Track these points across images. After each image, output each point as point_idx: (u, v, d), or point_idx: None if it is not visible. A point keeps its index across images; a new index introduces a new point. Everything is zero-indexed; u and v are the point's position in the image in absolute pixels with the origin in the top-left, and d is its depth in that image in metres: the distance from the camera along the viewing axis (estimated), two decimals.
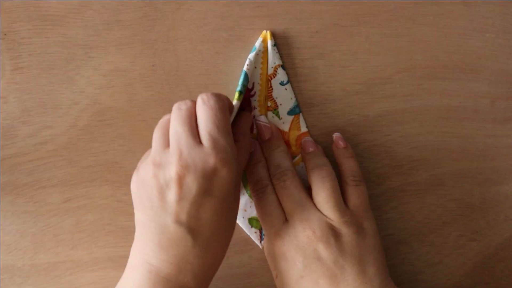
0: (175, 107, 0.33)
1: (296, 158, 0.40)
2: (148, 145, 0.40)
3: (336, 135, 0.40)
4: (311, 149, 0.39)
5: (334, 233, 0.34)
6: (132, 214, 0.41)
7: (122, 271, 0.41)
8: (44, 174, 0.40)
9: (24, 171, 0.40)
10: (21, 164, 0.40)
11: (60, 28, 0.39)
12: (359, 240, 0.35)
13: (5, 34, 0.39)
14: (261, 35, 0.39)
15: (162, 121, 0.34)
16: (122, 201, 0.41)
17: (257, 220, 0.40)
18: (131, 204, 0.41)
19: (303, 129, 0.40)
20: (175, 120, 0.32)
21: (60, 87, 0.40)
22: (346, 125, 0.41)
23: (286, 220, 0.36)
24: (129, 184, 0.40)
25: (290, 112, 0.40)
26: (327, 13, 0.41)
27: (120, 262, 0.41)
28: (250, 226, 0.40)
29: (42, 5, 0.39)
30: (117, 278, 0.41)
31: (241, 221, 0.40)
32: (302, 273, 0.34)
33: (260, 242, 0.41)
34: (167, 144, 0.32)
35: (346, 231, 0.35)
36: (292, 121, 0.40)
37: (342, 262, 0.34)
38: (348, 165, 0.38)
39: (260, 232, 0.40)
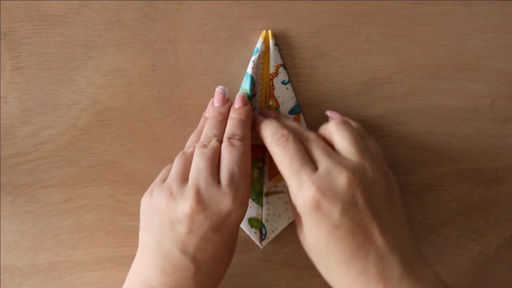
0: (200, 144, 0.34)
1: None
2: (148, 145, 0.40)
3: (328, 113, 0.40)
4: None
5: (367, 178, 0.32)
6: (132, 214, 0.41)
7: (122, 271, 0.41)
8: (44, 174, 0.40)
9: (24, 171, 0.40)
10: (21, 164, 0.40)
11: (60, 28, 0.39)
12: (388, 187, 0.34)
13: (5, 34, 0.39)
14: (261, 35, 0.39)
15: (186, 154, 0.35)
16: (122, 201, 0.41)
17: (256, 220, 0.40)
18: (131, 204, 0.41)
19: None
20: (199, 156, 0.33)
21: (60, 87, 0.40)
22: None
23: (316, 168, 0.33)
24: (129, 184, 0.40)
25: (291, 112, 0.40)
26: (327, 13, 0.41)
27: (120, 262, 0.41)
28: (250, 226, 0.40)
29: (42, 5, 0.39)
30: (117, 278, 0.41)
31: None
32: (338, 222, 0.31)
33: (260, 242, 0.41)
34: (186, 176, 0.33)
35: (376, 177, 0.33)
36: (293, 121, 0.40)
37: (377, 209, 0.32)
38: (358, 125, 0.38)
39: (260, 232, 0.41)
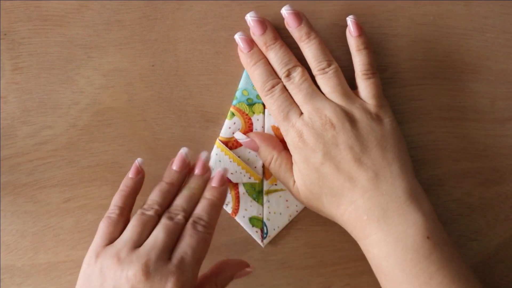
0: (168, 215, 0.34)
1: None
2: (148, 145, 0.40)
3: (350, 19, 0.38)
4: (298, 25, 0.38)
5: (348, 118, 0.36)
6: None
7: None
8: (44, 174, 0.40)
9: (24, 171, 0.40)
10: (21, 164, 0.40)
11: (60, 28, 0.39)
12: (374, 126, 0.36)
13: (5, 34, 0.39)
14: None
15: (146, 215, 0.34)
16: None
17: (257, 219, 0.40)
18: None
19: None
20: (163, 227, 0.33)
21: (60, 87, 0.40)
22: None
23: (301, 113, 0.37)
24: None
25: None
26: (327, 13, 0.41)
27: None
28: (251, 225, 0.40)
29: (42, 5, 0.39)
30: None
31: (242, 221, 0.40)
32: (322, 160, 0.35)
33: (262, 241, 0.41)
34: (139, 243, 0.33)
35: (360, 117, 0.36)
36: None
37: (360, 147, 0.35)
38: (359, 58, 0.38)
39: (261, 231, 0.41)
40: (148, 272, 0.31)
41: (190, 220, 0.34)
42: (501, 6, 0.42)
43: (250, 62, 0.38)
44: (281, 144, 0.39)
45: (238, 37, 0.39)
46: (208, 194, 0.36)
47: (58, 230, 0.40)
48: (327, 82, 0.37)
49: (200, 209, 0.35)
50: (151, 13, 0.40)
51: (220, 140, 0.40)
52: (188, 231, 0.33)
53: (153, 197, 0.36)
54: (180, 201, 0.36)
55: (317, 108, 0.36)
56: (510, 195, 0.43)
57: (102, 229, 0.34)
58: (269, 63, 0.38)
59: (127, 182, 0.37)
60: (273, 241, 0.41)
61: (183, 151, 0.37)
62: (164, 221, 0.34)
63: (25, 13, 0.39)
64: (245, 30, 0.40)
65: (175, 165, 0.37)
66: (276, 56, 0.38)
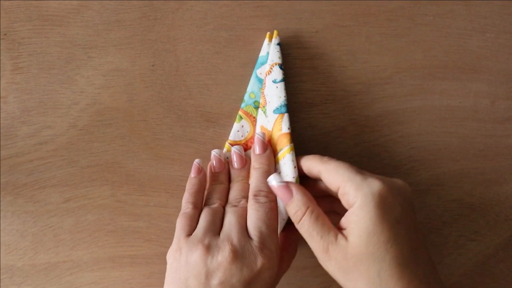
0: (230, 204, 0.37)
1: (278, 155, 0.39)
2: (148, 145, 0.40)
3: (233, 151, 0.39)
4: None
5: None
6: (132, 214, 0.41)
7: (122, 271, 0.41)
8: (44, 174, 0.40)
9: (24, 171, 0.40)
10: (21, 164, 0.40)
11: (60, 28, 0.39)
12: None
13: (5, 34, 0.39)
14: (266, 36, 0.39)
15: (212, 208, 0.36)
16: (122, 201, 0.41)
17: None
18: (131, 204, 0.41)
19: (284, 129, 0.38)
20: (231, 213, 0.35)
21: (60, 87, 0.40)
22: (346, 125, 0.41)
23: None
24: (129, 184, 0.40)
25: (275, 111, 0.39)
26: (327, 13, 0.41)
27: (120, 262, 0.41)
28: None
29: (42, 5, 0.39)
30: (117, 278, 0.41)
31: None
32: (399, 217, 0.32)
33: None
34: (216, 230, 0.35)
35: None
36: (276, 120, 0.39)
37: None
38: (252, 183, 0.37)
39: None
40: (236, 253, 0.32)
41: (250, 196, 0.36)
42: (501, 6, 0.42)
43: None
44: (314, 198, 0.35)
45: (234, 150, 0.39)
46: (257, 163, 0.37)
47: (58, 230, 0.40)
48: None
49: (255, 181, 0.36)
50: (151, 13, 0.40)
51: (229, 143, 0.40)
52: (253, 206, 0.35)
53: (209, 196, 0.38)
54: (235, 193, 0.38)
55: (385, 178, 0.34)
56: (510, 195, 0.43)
57: (180, 224, 0.36)
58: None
59: (192, 181, 0.38)
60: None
61: (215, 153, 0.39)
62: (230, 209, 0.36)
63: (25, 13, 0.39)
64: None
65: (214, 168, 0.39)
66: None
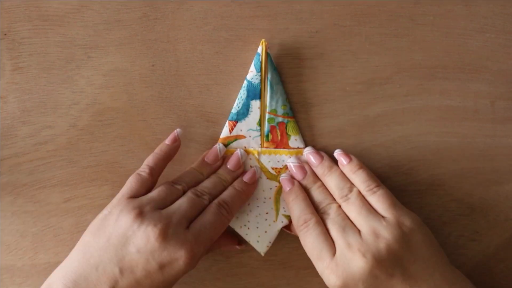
0: (195, 191, 0.36)
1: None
2: (148, 145, 0.40)
3: (337, 152, 0.39)
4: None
5: (384, 246, 0.34)
6: None
7: None
8: (44, 174, 0.40)
9: (24, 171, 0.40)
10: (21, 164, 0.40)
11: (60, 28, 0.39)
12: (406, 242, 0.34)
13: (5, 34, 0.39)
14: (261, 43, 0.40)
15: (175, 187, 0.36)
16: None
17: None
18: None
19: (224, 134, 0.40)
20: (188, 199, 0.35)
21: (60, 87, 0.40)
22: (346, 125, 0.41)
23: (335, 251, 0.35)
24: None
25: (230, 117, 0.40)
26: (327, 13, 0.41)
27: None
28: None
29: (42, 5, 0.39)
30: None
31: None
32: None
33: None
34: (163, 206, 0.34)
35: (390, 237, 0.34)
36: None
37: (401, 269, 0.34)
38: (358, 179, 0.37)
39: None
40: (166, 233, 0.32)
41: (215, 201, 0.36)
42: (501, 6, 0.42)
43: (289, 197, 0.38)
44: (312, 207, 0.38)
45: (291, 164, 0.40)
46: (237, 186, 0.38)
47: (58, 230, 0.40)
48: (350, 208, 0.36)
49: (227, 195, 0.37)
50: (151, 13, 0.40)
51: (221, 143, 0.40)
52: (212, 209, 0.35)
53: (181, 177, 0.38)
54: (207, 184, 0.37)
55: (348, 245, 0.34)
56: (510, 195, 0.43)
57: (130, 183, 0.36)
58: (307, 199, 0.38)
59: (162, 147, 0.38)
60: (273, 241, 0.41)
61: (218, 146, 0.39)
62: (189, 194, 0.36)
63: (25, 13, 0.39)
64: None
65: (208, 158, 0.39)
66: (333, 182, 0.38)
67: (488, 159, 0.43)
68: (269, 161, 0.40)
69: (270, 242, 0.40)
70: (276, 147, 0.40)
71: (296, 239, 0.41)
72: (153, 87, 0.40)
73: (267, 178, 0.40)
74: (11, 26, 0.39)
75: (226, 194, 0.37)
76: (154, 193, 0.35)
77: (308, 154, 0.40)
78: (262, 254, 0.40)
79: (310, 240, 0.35)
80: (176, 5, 0.40)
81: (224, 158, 0.40)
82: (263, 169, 0.40)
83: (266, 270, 0.42)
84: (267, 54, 0.39)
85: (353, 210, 0.36)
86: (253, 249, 0.41)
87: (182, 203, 0.35)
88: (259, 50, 0.39)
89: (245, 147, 0.40)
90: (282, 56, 0.41)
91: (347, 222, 0.36)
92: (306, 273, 0.42)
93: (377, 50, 0.41)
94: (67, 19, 0.39)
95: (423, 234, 0.35)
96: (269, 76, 0.39)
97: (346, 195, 0.37)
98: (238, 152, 0.39)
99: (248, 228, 0.40)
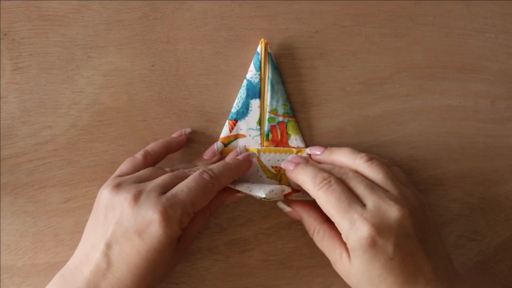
0: (180, 168, 0.37)
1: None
2: (148, 145, 0.40)
3: (307, 151, 0.40)
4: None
5: (411, 206, 0.33)
6: None
7: None
8: (44, 174, 0.40)
9: (24, 171, 0.40)
10: (21, 164, 0.40)
11: (60, 28, 0.39)
12: (426, 211, 0.34)
13: (5, 34, 0.39)
14: (260, 42, 0.40)
15: (161, 169, 0.36)
16: None
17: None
18: None
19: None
20: (170, 174, 0.35)
21: (60, 87, 0.40)
22: (346, 125, 0.41)
23: (364, 204, 0.33)
24: None
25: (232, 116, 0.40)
26: (327, 13, 0.41)
27: None
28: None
29: (42, 5, 0.39)
30: None
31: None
32: (392, 255, 0.32)
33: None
34: (141, 181, 0.35)
35: (417, 204, 0.34)
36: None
37: (422, 235, 0.33)
38: (339, 157, 0.37)
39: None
40: (138, 199, 0.32)
41: (201, 168, 0.36)
42: (501, 6, 0.42)
43: (297, 171, 0.37)
44: (322, 215, 0.37)
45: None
46: (228, 159, 0.38)
47: (58, 230, 0.40)
48: (376, 173, 0.35)
49: (214, 166, 0.36)
50: (151, 13, 0.40)
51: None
52: (192, 176, 0.34)
53: (174, 164, 0.39)
54: (197, 163, 0.39)
55: (383, 197, 0.33)
56: (510, 195, 0.43)
57: (123, 164, 0.37)
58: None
59: (166, 138, 0.39)
60: (273, 241, 0.41)
61: (216, 144, 0.40)
62: (174, 172, 0.36)
63: (25, 13, 0.39)
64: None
65: (205, 154, 0.40)
66: (342, 155, 0.38)
67: (488, 159, 0.43)
68: (269, 160, 0.40)
69: (273, 190, 0.37)
70: (276, 146, 0.40)
71: (296, 239, 0.42)
72: (153, 87, 0.40)
73: (267, 177, 0.40)
74: (11, 26, 0.39)
75: (212, 165, 0.36)
76: (139, 172, 0.36)
77: (310, 148, 0.40)
78: (264, 195, 0.38)
79: (335, 195, 0.33)
80: (176, 5, 0.40)
81: (222, 155, 0.40)
82: (263, 167, 0.40)
83: (266, 270, 0.42)
84: (268, 54, 0.39)
85: (376, 171, 0.35)
86: (253, 249, 0.41)
87: (163, 177, 0.34)
88: (259, 49, 0.39)
89: (245, 146, 0.40)
90: (282, 56, 0.41)
91: (372, 183, 0.34)
92: (306, 273, 0.42)
93: (377, 50, 0.41)
94: (67, 19, 0.39)
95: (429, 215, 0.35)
96: (270, 75, 0.39)
97: (362, 159, 0.36)
98: (238, 149, 0.39)
99: (250, 191, 0.39)
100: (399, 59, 0.41)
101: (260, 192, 0.36)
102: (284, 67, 0.41)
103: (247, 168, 0.38)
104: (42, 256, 0.40)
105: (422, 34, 0.41)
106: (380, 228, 0.32)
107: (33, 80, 0.39)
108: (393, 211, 0.32)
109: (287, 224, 0.41)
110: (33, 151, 0.40)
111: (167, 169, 0.37)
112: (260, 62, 0.39)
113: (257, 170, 0.40)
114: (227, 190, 0.38)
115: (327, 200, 0.33)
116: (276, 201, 0.40)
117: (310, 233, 0.38)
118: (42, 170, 0.40)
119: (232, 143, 0.40)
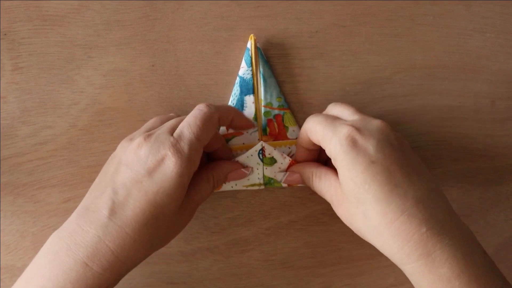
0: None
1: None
2: None
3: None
4: None
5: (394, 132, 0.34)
6: None
7: None
8: (44, 174, 0.40)
9: (24, 171, 0.40)
10: (21, 164, 0.40)
11: (60, 28, 0.39)
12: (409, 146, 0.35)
13: (5, 34, 0.39)
14: (249, 38, 0.40)
15: (166, 116, 0.38)
16: None
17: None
18: None
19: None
20: (176, 118, 0.36)
21: (60, 87, 0.40)
22: None
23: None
24: None
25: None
26: (327, 13, 0.41)
27: None
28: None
29: (42, 5, 0.39)
30: None
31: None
32: (374, 158, 0.31)
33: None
34: (150, 129, 0.36)
35: (399, 134, 0.35)
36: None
37: (409, 155, 0.33)
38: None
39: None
40: (149, 140, 0.33)
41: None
42: (501, 6, 0.42)
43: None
44: (316, 163, 0.38)
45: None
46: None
47: None
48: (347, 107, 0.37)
49: (215, 104, 0.36)
50: (151, 13, 0.40)
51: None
52: (192, 111, 0.35)
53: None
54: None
55: (367, 115, 0.35)
56: (510, 195, 0.43)
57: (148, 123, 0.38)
58: None
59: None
60: (273, 241, 0.41)
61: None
62: (179, 116, 0.37)
63: (25, 13, 0.39)
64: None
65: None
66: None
67: (488, 159, 0.43)
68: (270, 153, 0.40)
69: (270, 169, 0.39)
70: (275, 140, 0.40)
71: (296, 239, 0.42)
72: (153, 87, 0.40)
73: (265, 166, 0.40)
74: (11, 26, 0.39)
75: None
76: (146, 124, 0.37)
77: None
78: (261, 176, 0.39)
79: (322, 116, 0.35)
80: (176, 5, 0.40)
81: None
82: (265, 161, 0.40)
83: (266, 270, 0.42)
84: (257, 48, 0.39)
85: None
86: (253, 249, 0.41)
87: (169, 121, 0.35)
88: (248, 45, 0.39)
89: (243, 143, 0.40)
90: (282, 56, 0.41)
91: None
92: (306, 273, 0.42)
93: (377, 50, 0.41)
94: (67, 19, 0.39)
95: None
96: (261, 70, 0.39)
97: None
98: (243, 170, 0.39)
99: (248, 179, 0.40)
100: (399, 59, 0.41)
101: (259, 176, 0.39)
102: (284, 67, 0.41)
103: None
104: None
105: (422, 34, 0.41)
106: (361, 130, 0.32)
107: (33, 80, 0.39)
108: (376, 121, 0.33)
109: (287, 224, 0.41)
110: (33, 151, 0.40)
111: (172, 114, 0.39)
112: (251, 57, 0.39)
113: (258, 163, 0.40)
114: (232, 162, 0.39)
115: (315, 119, 0.35)
116: (274, 186, 0.40)
117: (310, 181, 0.38)
118: (42, 170, 0.40)
119: (230, 141, 0.40)
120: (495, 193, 0.43)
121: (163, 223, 0.33)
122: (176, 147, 0.32)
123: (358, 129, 0.32)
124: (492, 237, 0.43)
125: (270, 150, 0.39)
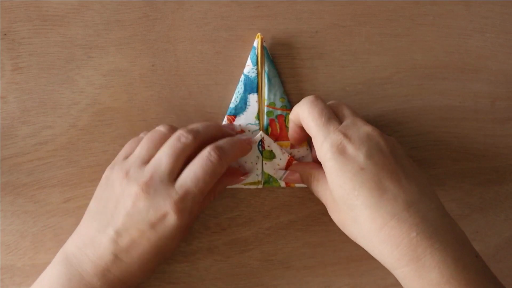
0: (176, 135, 0.35)
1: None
2: None
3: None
4: None
5: (386, 136, 0.34)
6: None
7: None
8: (44, 174, 0.40)
9: (24, 171, 0.40)
10: (21, 164, 0.40)
11: (60, 28, 0.39)
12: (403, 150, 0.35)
13: (5, 34, 0.39)
14: (256, 37, 0.40)
15: (156, 134, 0.36)
16: None
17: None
18: None
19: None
20: (169, 148, 0.34)
21: (60, 87, 0.40)
22: None
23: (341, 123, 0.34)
24: None
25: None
26: (327, 13, 0.41)
27: None
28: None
29: (42, 5, 0.39)
30: None
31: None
32: (363, 165, 0.31)
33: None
34: (147, 159, 0.35)
35: (392, 138, 0.35)
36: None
37: (400, 160, 0.33)
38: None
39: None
40: (148, 191, 0.33)
41: (209, 146, 0.35)
42: (501, 6, 0.42)
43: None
44: (316, 165, 0.38)
45: None
46: (237, 137, 0.38)
47: (58, 230, 0.40)
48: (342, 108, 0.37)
49: (224, 141, 0.36)
50: (151, 13, 0.40)
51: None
52: (203, 157, 0.34)
53: (193, 127, 0.36)
54: (196, 125, 0.36)
55: (361, 119, 0.34)
56: (510, 195, 0.43)
57: (127, 144, 0.37)
58: None
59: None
60: (273, 241, 0.41)
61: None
62: (170, 142, 0.34)
63: (25, 13, 0.39)
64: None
65: (227, 125, 0.40)
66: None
67: (488, 159, 0.43)
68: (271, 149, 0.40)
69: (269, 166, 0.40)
70: (276, 140, 0.40)
71: (296, 239, 0.42)
72: (153, 87, 0.40)
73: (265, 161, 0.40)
74: (11, 26, 0.39)
75: (223, 140, 0.36)
76: (138, 148, 0.35)
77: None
78: (260, 173, 0.40)
79: (318, 109, 0.34)
80: (176, 5, 0.40)
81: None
82: (265, 154, 0.40)
83: (266, 270, 0.42)
84: (263, 48, 0.39)
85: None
86: (253, 249, 0.41)
87: (162, 155, 0.34)
88: (255, 44, 0.39)
89: (240, 125, 0.40)
90: (282, 56, 0.41)
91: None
92: (306, 273, 0.42)
93: (377, 50, 0.41)
94: (67, 19, 0.39)
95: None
96: (266, 69, 0.39)
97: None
98: (235, 126, 0.40)
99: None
100: (399, 59, 0.41)
101: (257, 173, 0.39)
102: (284, 67, 0.41)
103: (249, 149, 0.38)
104: (42, 256, 0.40)
105: (422, 34, 0.41)
106: (352, 138, 0.32)
107: (33, 80, 0.39)
108: (367, 127, 0.33)
109: (287, 224, 0.41)
110: (33, 151, 0.40)
111: (162, 129, 0.36)
112: (257, 56, 0.39)
113: (257, 156, 0.40)
114: (231, 174, 0.39)
115: (311, 111, 0.34)
116: (273, 186, 0.40)
117: (309, 182, 0.38)
118: (42, 170, 0.40)
119: None
120: (495, 193, 0.43)
121: (166, 253, 0.35)
122: (178, 206, 0.33)
123: (348, 137, 0.32)
124: (492, 237, 0.43)
125: (269, 142, 0.39)
